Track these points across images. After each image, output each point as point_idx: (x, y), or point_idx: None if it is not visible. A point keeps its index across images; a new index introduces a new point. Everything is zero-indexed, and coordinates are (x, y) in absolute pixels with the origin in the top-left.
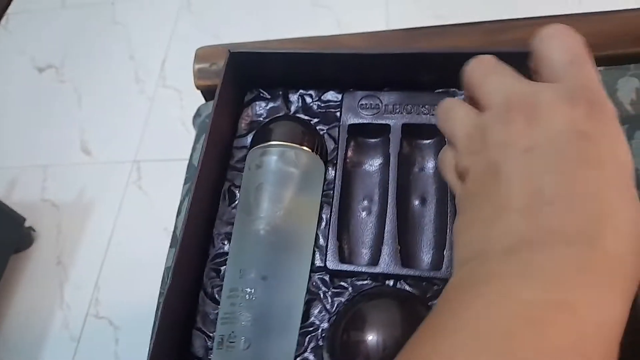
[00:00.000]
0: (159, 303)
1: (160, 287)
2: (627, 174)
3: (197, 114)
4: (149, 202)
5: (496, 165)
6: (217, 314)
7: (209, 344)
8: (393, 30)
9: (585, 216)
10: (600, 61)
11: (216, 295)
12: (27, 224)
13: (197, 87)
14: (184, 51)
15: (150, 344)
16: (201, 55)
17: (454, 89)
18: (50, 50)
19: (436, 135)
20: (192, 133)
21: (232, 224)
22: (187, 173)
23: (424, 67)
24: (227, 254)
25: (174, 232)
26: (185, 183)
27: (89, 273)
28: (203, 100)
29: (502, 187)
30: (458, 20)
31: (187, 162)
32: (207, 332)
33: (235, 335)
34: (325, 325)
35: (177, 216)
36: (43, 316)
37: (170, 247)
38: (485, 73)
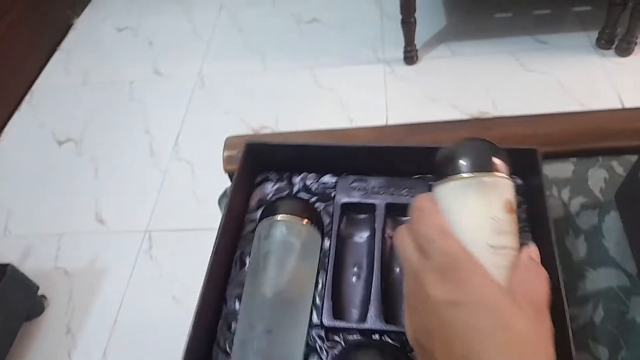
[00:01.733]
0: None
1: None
2: (499, 314)
3: (225, 195)
4: (158, 271)
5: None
6: None
7: None
8: (396, 125)
9: None
10: (573, 153)
11: (227, 348)
12: (39, 292)
13: (226, 171)
14: (197, 126)
15: None
16: (229, 144)
17: (428, 175)
18: (70, 124)
19: None
20: (203, 203)
21: (242, 286)
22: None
23: (403, 159)
24: (237, 312)
25: None
26: None
27: (97, 342)
28: (214, 173)
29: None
30: (451, 108)
31: (197, 231)
32: None
33: None
34: None
35: None
36: None
37: None
38: (404, 234)
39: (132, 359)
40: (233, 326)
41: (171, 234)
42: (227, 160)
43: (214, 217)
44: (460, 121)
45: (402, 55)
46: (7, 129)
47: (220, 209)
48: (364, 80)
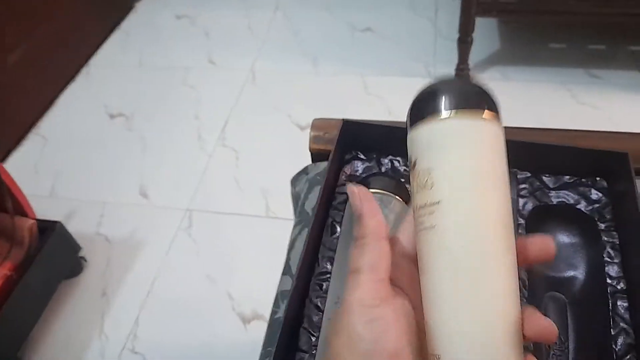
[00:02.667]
0: (272, 313)
1: (273, 306)
2: None
3: (304, 172)
4: (195, 250)
5: None
6: (319, 317)
7: (312, 339)
8: None
9: None
10: None
11: (319, 303)
12: (80, 254)
13: (310, 150)
14: (244, 117)
15: (265, 339)
16: (317, 125)
17: (514, 169)
18: (123, 100)
19: None
20: (244, 190)
21: (333, 250)
22: (298, 217)
23: None
24: (328, 272)
25: (287, 262)
26: (295, 225)
27: (131, 308)
28: (257, 163)
29: None
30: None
31: (236, 216)
32: (311, 331)
33: None
34: None
35: (290, 250)
36: (81, 343)
37: (283, 274)
38: None
39: (161, 328)
40: (324, 285)
41: (211, 215)
42: (313, 140)
43: (253, 204)
44: (545, 129)
45: (453, 73)
46: (62, 96)
47: (293, 187)
48: (413, 92)
